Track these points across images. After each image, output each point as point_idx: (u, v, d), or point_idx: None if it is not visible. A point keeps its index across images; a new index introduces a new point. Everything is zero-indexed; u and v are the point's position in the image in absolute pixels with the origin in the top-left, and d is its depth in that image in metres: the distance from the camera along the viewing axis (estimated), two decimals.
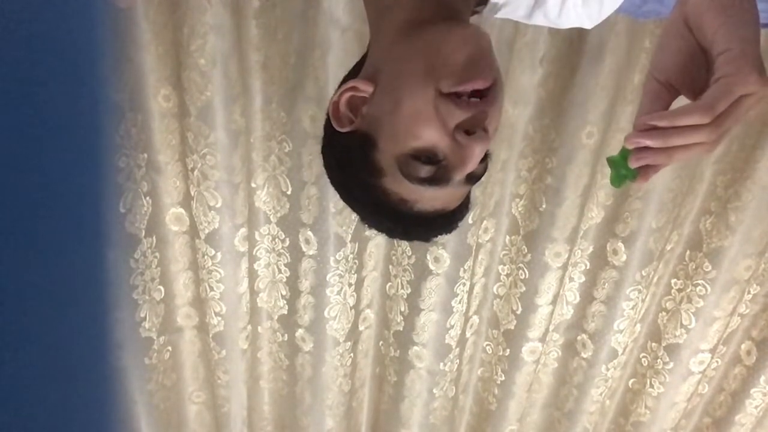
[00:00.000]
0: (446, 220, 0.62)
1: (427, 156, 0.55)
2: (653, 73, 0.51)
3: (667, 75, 0.50)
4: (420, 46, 0.55)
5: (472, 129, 0.55)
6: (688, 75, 0.49)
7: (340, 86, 0.60)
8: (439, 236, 0.63)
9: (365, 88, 0.57)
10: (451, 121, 0.54)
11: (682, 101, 0.50)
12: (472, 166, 0.56)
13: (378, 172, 0.58)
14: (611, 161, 0.51)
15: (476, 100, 0.54)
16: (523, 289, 1.48)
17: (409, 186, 0.57)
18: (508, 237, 1.45)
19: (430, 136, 0.54)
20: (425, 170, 0.55)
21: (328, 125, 0.62)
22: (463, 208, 0.63)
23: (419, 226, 0.61)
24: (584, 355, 1.56)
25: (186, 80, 1.14)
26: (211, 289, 1.37)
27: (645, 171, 0.49)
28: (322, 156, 0.66)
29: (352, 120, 0.59)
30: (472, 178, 0.58)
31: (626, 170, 0.50)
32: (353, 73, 0.62)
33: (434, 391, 1.58)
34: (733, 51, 0.44)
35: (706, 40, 0.47)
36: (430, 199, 0.58)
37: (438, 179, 0.56)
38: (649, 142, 0.47)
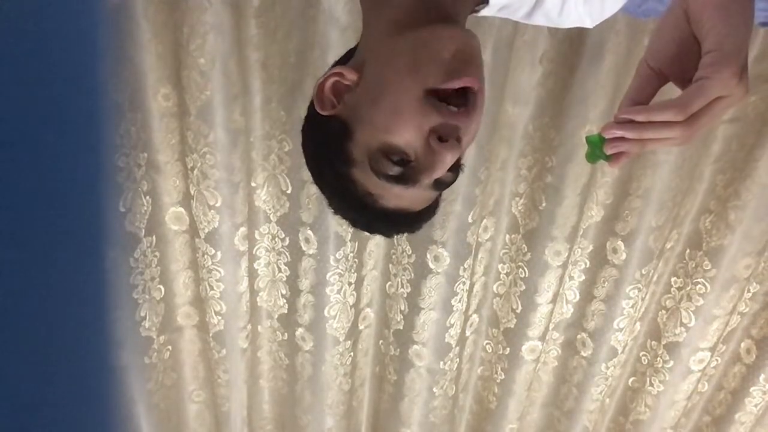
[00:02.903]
0: (409, 220, 0.63)
1: (398, 155, 0.56)
2: (647, 58, 0.52)
3: (659, 63, 0.51)
4: (409, 44, 0.56)
5: (446, 137, 0.56)
6: (679, 65, 0.50)
7: (328, 70, 0.61)
8: (402, 233, 0.65)
9: (350, 77, 0.58)
10: (427, 123, 0.55)
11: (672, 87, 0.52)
12: (440, 172, 0.57)
13: (349, 162, 0.58)
14: (589, 141, 0.53)
15: (455, 110, 0.55)
16: (523, 287, 1.48)
17: (376, 181, 0.58)
18: (508, 236, 1.45)
19: (406, 134, 0.55)
20: (394, 168, 0.56)
21: (312, 105, 0.62)
22: (430, 211, 0.64)
23: (381, 222, 0.62)
24: (584, 354, 1.56)
25: (186, 79, 1.14)
26: (211, 288, 1.37)
27: (618, 157, 0.52)
28: (302, 134, 0.66)
29: (334, 105, 0.60)
30: (441, 185, 0.59)
31: (601, 152, 0.52)
32: (344, 60, 0.63)
33: (434, 389, 1.58)
34: (720, 52, 0.45)
35: (700, 33, 0.47)
36: (394, 196, 0.59)
37: (405, 179, 0.57)
38: (624, 134, 0.49)
